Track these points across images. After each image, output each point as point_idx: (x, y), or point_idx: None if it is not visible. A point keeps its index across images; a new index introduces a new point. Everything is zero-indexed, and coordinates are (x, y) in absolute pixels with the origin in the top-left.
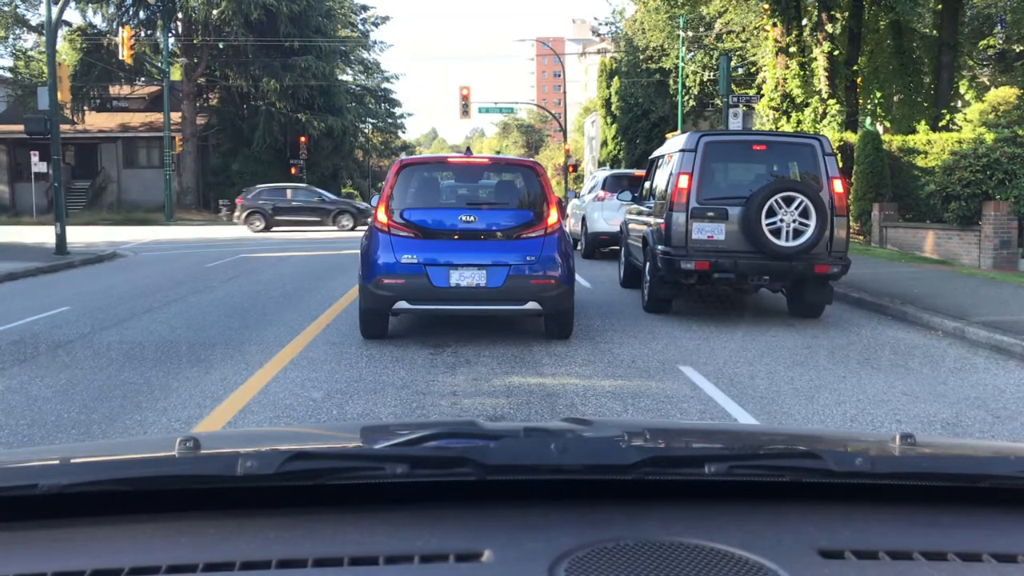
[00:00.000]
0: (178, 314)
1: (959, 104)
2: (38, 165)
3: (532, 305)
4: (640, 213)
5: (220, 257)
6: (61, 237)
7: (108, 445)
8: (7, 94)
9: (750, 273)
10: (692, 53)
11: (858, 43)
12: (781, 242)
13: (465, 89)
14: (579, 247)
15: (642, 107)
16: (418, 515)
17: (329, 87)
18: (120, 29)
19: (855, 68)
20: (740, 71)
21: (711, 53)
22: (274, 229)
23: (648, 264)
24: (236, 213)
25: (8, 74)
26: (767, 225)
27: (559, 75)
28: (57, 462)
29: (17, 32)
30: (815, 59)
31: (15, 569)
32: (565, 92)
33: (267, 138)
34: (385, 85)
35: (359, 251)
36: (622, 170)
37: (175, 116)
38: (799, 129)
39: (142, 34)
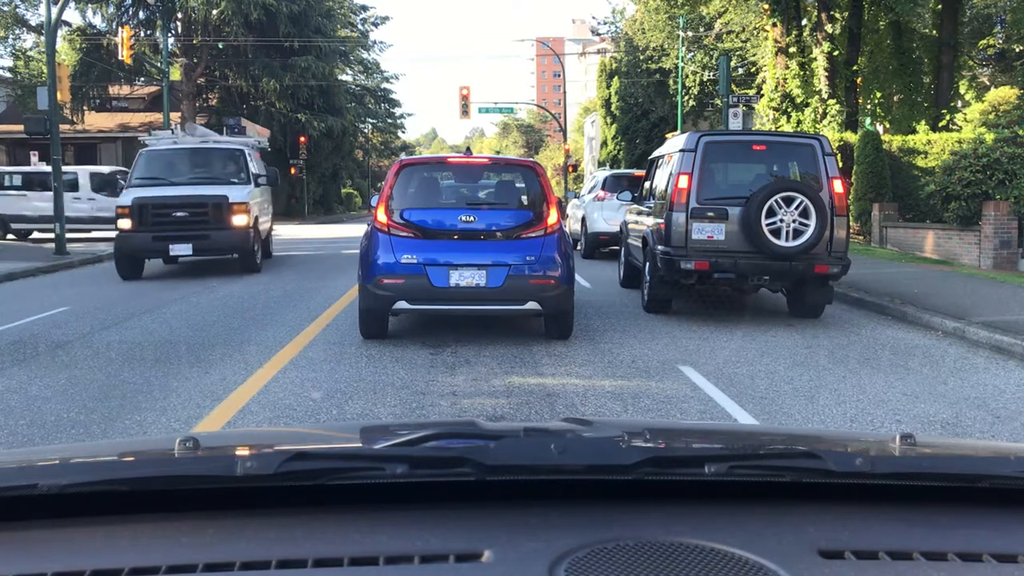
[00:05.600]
0: (178, 314)
1: (959, 104)
2: (38, 165)
3: (532, 305)
4: (640, 213)
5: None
6: (61, 237)
7: (108, 445)
8: (7, 94)
9: (750, 273)
10: (692, 53)
11: (858, 43)
12: (781, 242)
13: (465, 89)
14: (579, 247)
15: (642, 107)
16: (418, 515)
17: (329, 87)
18: (120, 29)
19: (855, 68)
20: (740, 71)
21: (711, 53)
22: None
23: (648, 264)
24: None
25: (8, 74)
26: (767, 225)
27: (559, 75)
28: (57, 462)
29: (17, 32)
30: (815, 59)
31: (15, 569)
32: (565, 92)
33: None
34: (385, 85)
35: (359, 251)
36: (622, 170)
37: (175, 116)
38: (799, 129)
39: (142, 34)
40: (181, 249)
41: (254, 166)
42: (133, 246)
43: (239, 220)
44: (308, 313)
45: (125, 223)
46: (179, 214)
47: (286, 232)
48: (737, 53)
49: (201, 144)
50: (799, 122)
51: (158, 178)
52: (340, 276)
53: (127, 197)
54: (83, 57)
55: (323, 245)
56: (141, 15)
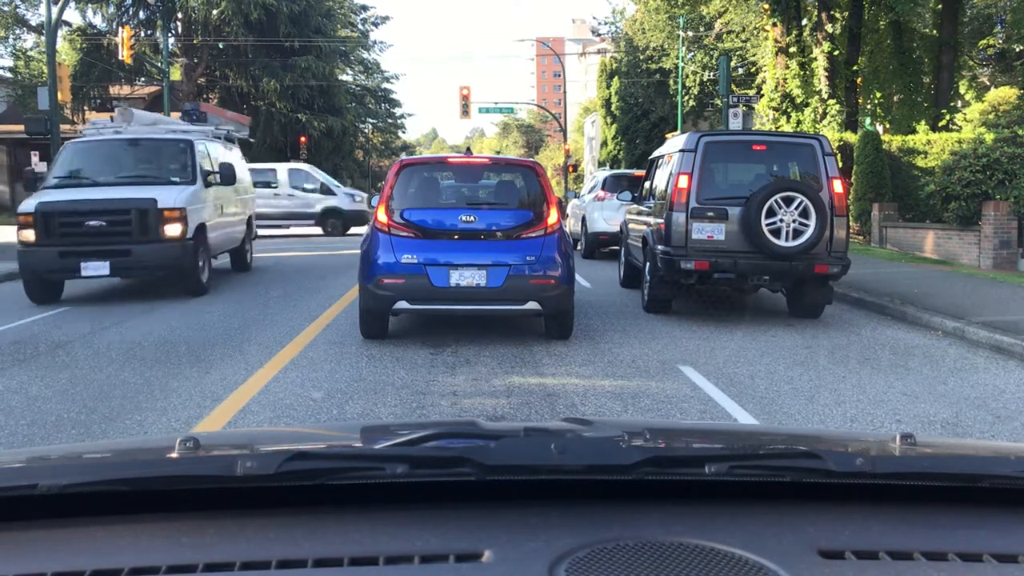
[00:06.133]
0: (178, 314)
1: (959, 104)
2: (38, 165)
3: (532, 305)
4: (640, 213)
5: (219, 257)
6: None
7: (108, 445)
8: (7, 94)
9: (750, 273)
10: (692, 53)
11: (858, 43)
12: (781, 242)
13: (465, 89)
14: (579, 247)
15: (642, 107)
16: (418, 515)
17: (329, 87)
18: (120, 29)
19: (855, 68)
20: (740, 71)
21: (711, 53)
22: None
23: (648, 264)
24: None
25: (8, 74)
26: (767, 225)
27: (559, 75)
28: (57, 462)
29: (17, 32)
30: (815, 59)
31: (15, 569)
32: (565, 92)
33: (267, 138)
34: (385, 85)
35: (359, 251)
36: (622, 170)
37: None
38: (799, 129)
39: (142, 34)
40: (95, 268)
41: (208, 161)
42: (36, 264)
43: (172, 230)
44: (308, 313)
45: (28, 234)
46: (93, 223)
47: (285, 232)
48: (737, 53)
49: (136, 135)
50: (799, 122)
51: (80, 177)
52: (340, 276)
53: (31, 202)
54: (83, 57)
55: (323, 245)
56: (141, 15)
